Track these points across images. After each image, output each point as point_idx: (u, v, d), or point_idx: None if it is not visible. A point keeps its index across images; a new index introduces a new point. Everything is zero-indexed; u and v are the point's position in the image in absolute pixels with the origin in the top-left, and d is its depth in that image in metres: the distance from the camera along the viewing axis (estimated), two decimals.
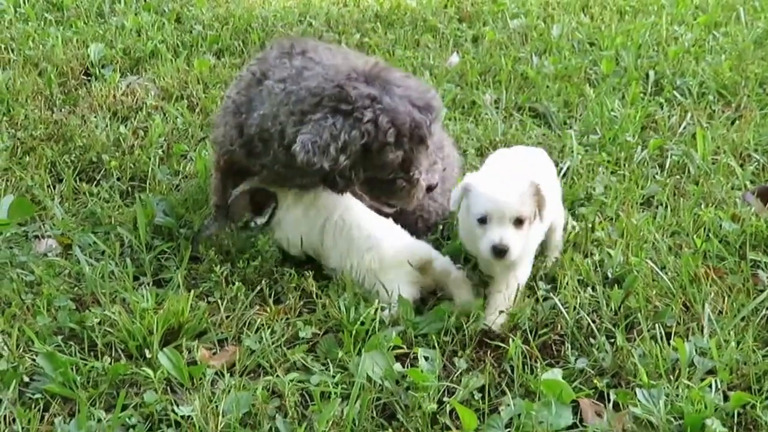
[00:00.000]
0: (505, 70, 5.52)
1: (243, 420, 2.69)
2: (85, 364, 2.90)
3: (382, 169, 3.33)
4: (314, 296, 3.31)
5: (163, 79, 5.35)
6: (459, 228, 3.42)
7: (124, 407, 2.71)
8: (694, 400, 2.70)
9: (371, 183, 3.40)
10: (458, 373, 2.95)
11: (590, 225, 3.72)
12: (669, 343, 3.00)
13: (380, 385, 2.80)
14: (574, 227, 3.73)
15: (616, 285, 3.35)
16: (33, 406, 2.74)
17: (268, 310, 3.23)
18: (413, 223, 3.69)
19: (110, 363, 2.90)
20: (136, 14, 6.49)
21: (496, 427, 2.70)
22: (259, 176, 3.67)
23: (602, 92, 5.18)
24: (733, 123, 4.89)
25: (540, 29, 6.43)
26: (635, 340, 3.07)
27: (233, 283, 3.34)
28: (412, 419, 2.70)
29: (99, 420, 2.66)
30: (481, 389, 2.83)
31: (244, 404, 2.72)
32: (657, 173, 4.34)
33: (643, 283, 3.33)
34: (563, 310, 3.20)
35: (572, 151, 4.42)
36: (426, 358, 2.93)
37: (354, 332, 3.00)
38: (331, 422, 2.62)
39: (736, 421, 2.71)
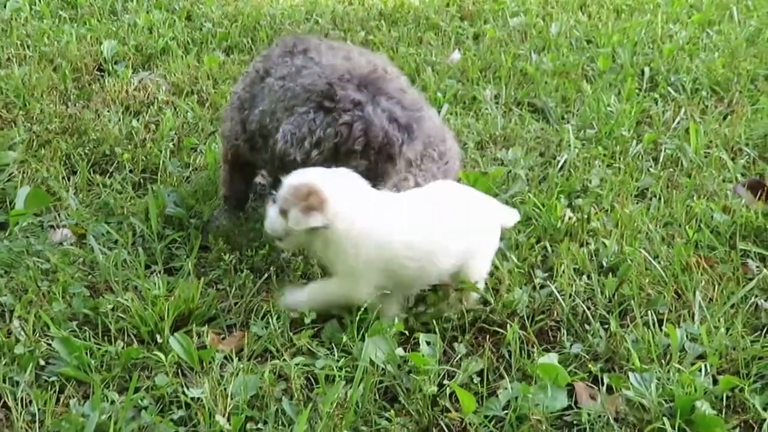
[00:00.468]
0: (505, 67, 5.52)
1: (251, 402, 2.71)
2: (99, 349, 2.92)
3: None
4: None
5: (174, 74, 5.36)
6: None
7: (137, 390, 2.72)
8: (685, 384, 2.71)
9: None
10: (458, 357, 2.96)
11: (586, 216, 3.73)
12: (661, 329, 3.02)
13: (383, 368, 2.82)
14: (570, 218, 3.74)
15: (610, 273, 3.38)
16: (49, 388, 2.76)
17: (275, 297, 3.25)
18: None
19: (123, 347, 2.92)
20: (147, 12, 6.49)
21: (494, 410, 2.71)
22: (263, 169, 3.68)
23: (599, 88, 5.19)
24: (725, 118, 4.89)
25: (539, 27, 6.43)
26: (628, 326, 3.09)
27: (241, 271, 3.35)
28: (413, 401, 2.72)
29: (112, 402, 2.67)
30: (480, 373, 2.85)
31: (252, 387, 2.74)
32: (651, 166, 4.34)
33: (637, 271, 3.35)
34: (559, 297, 3.22)
35: (569, 145, 4.43)
36: (427, 343, 2.95)
37: (357, 318, 3.02)
38: (335, 404, 2.63)
39: (724, 404, 2.73)
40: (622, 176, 4.16)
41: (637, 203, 3.96)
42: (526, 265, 3.43)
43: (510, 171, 4.17)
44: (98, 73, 5.47)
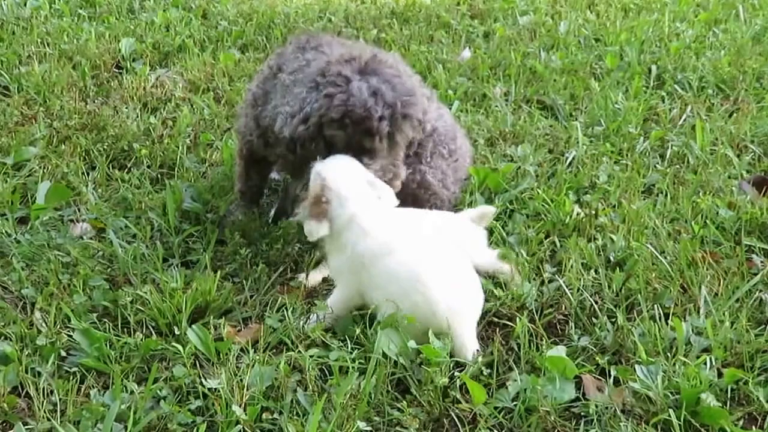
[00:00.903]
0: (514, 65, 5.53)
1: (266, 393, 2.72)
2: (119, 340, 2.94)
3: (333, 145, 3.24)
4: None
5: (191, 72, 5.37)
6: None
7: (155, 380, 2.73)
8: (690, 376, 2.72)
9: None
10: None
11: (594, 211, 3.73)
12: (667, 323, 3.02)
13: (395, 360, 2.82)
14: (578, 213, 3.75)
15: (617, 268, 3.37)
16: (70, 378, 2.77)
17: (290, 290, 3.26)
18: None
19: (142, 339, 2.93)
20: (164, 10, 6.51)
21: (503, 401, 2.72)
22: (276, 166, 3.69)
23: (607, 86, 5.19)
24: (730, 115, 4.89)
25: (548, 26, 6.43)
26: (635, 319, 3.09)
27: (257, 265, 3.38)
28: (425, 393, 2.72)
29: (132, 392, 2.68)
30: (490, 365, 2.85)
31: (268, 378, 2.75)
32: (658, 163, 4.35)
33: (644, 266, 3.35)
34: (567, 291, 3.22)
35: (578, 142, 4.43)
36: (438, 336, 2.96)
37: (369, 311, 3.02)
38: (348, 395, 2.64)
39: (729, 396, 2.74)
40: (630, 173, 4.16)
41: (644, 199, 3.96)
42: (535, 259, 3.44)
43: (519, 167, 4.17)
44: (116, 70, 5.50)
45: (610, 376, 2.82)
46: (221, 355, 2.90)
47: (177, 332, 2.99)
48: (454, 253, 3.06)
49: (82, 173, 4.14)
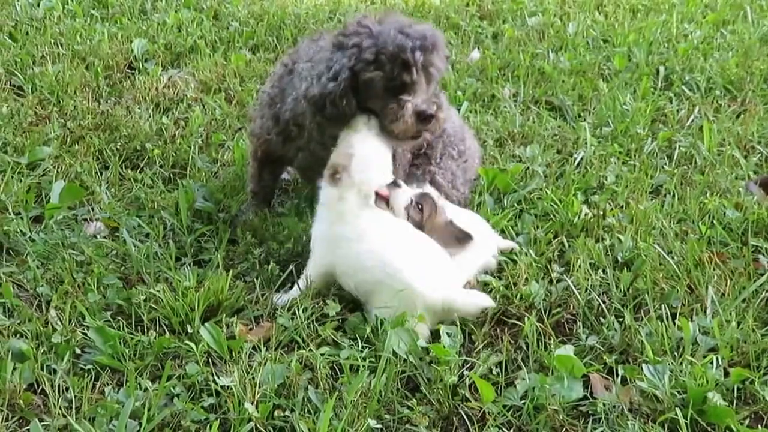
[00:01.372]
0: (523, 66, 5.54)
1: (278, 390, 2.74)
2: (132, 338, 2.96)
3: (369, 94, 3.27)
4: None
5: (202, 72, 5.38)
6: None
7: (169, 378, 2.76)
8: (697, 376, 2.73)
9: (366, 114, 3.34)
10: (477, 348, 3.00)
11: (602, 212, 3.75)
12: (674, 323, 3.04)
13: (405, 359, 2.84)
14: (586, 214, 3.76)
15: (625, 268, 3.39)
16: (85, 375, 2.80)
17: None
18: None
19: (155, 337, 2.96)
20: (176, 11, 6.51)
21: (512, 399, 2.74)
22: (296, 161, 3.69)
23: (615, 87, 5.21)
24: (738, 116, 4.90)
25: (556, 27, 6.43)
26: (642, 319, 3.11)
27: (268, 264, 3.39)
28: (434, 391, 2.75)
29: (145, 389, 2.71)
30: (499, 364, 2.88)
31: (279, 376, 2.77)
32: (665, 164, 4.36)
33: (651, 266, 3.37)
34: (575, 291, 3.24)
35: (586, 143, 4.45)
36: (448, 335, 2.98)
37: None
38: (359, 393, 2.66)
39: (735, 395, 2.75)
40: (637, 173, 4.17)
41: (652, 200, 3.98)
42: (543, 259, 3.46)
43: (528, 168, 4.19)
44: (129, 70, 5.51)
45: (617, 375, 2.84)
46: (233, 353, 2.92)
47: (190, 330, 3.00)
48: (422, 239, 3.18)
49: (96, 173, 4.16)
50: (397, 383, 2.78)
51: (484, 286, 3.29)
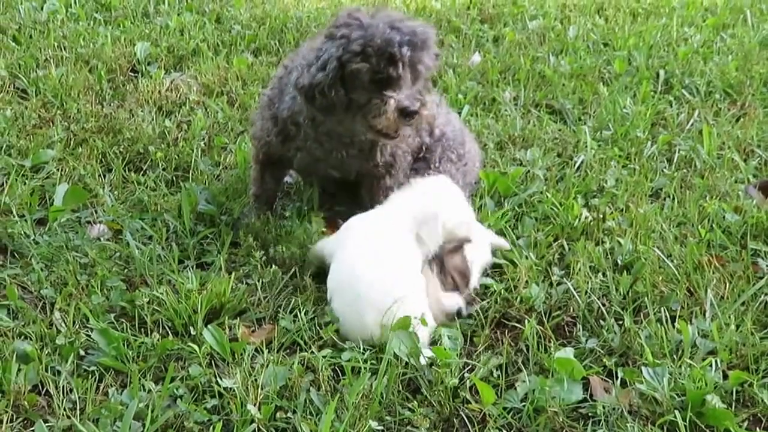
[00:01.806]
0: (523, 69, 5.55)
1: (280, 392, 2.75)
2: (136, 340, 2.97)
3: (355, 85, 3.26)
4: None
5: (205, 75, 5.40)
6: None
7: (172, 379, 2.76)
8: (696, 378, 2.74)
9: (350, 106, 3.32)
10: (478, 351, 3.02)
11: (602, 215, 3.77)
12: (673, 326, 3.05)
13: (406, 361, 2.85)
14: (587, 217, 3.77)
15: (625, 271, 3.41)
16: (89, 377, 2.80)
17: (302, 292, 3.30)
18: None
19: (158, 339, 2.97)
20: (179, 14, 6.54)
21: (512, 401, 2.75)
22: (294, 161, 3.69)
23: (615, 90, 5.22)
24: (737, 120, 4.92)
25: (557, 30, 6.46)
26: (642, 322, 3.12)
27: (270, 267, 3.40)
28: (435, 393, 2.76)
29: (149, 391, 2.72)
30: (499, 366, 2.89)
31: (281, 378, 2.78)
32: (665, 167, 4.37)
33: (651, 269, 3.38)
34: (575, 294, 3.25)
35: (586, 146, 4.46)
36: (449, 338, 2.99)
37: None
38: (360, 395, 2.67)
39: (734, 398, 2.76)
40: (637, 177, 4.19)
41: (652, 203, 3.99)
42: (543, 262, 3.47)
43: (528, 171, 4.20)
44: (132, 74, 5.51)
45: (617, 377, 2.85)
46: (236, 355, 2.93)
47: (193, 332, 3.01)
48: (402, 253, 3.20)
49: (99, 176, 4.17)
50: (398, 385, 2.79)
51: (485, 289, 3.31)
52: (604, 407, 2.71)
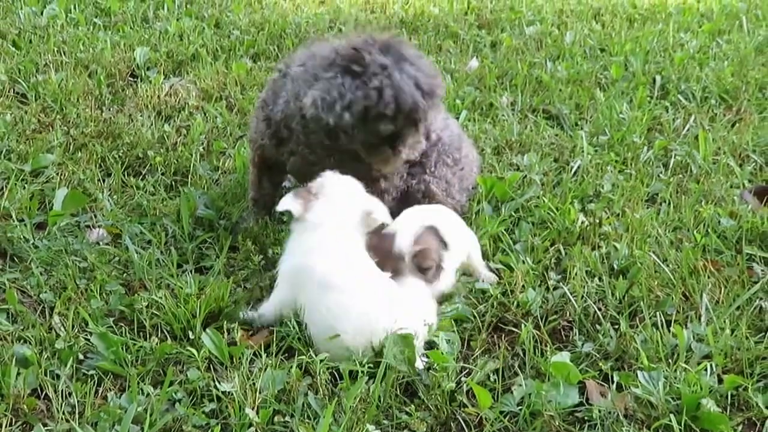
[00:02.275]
0: (521, 75, 5.56)
1: (278, 396, 2.75)
2: (135, 344, 2.97)
3: (372, 135, 3.30)
4: None
5: (204, 80, 5.40)
6: None
7: (171, 383, 2.76)
8: (691, 382, 2.75)
9: (363, 145, 3.36)
10: (475, 355, 3.02)
11: (598, 220, 3.77)
12: (669, 330, 3.05)
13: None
14: (583, 222, 3.78)
15: (621, 276, 3.41)
16: (88, 381, 2.80)
17: None
18: None
19: (157, 343, 2.96)
20: (178, 20, 6.55)
21: (508, 405, 2.75)
22: (288, 165, 3.70)
23: (611, 96, 5.23)
24: (733, 125, 4.93)
25: (554, 36, 6.47)
26: (638, 326, 3.12)
27: (268, 271, 3.40)
28: (432, 397, 2.76)
29: (147, 395, 2.71)
30: (496, 370, 2.89)
31: (280, 381, 2.77)
32: (661, 172, 4.38)
33: (646, 274, 3.38)
34: (572, 298, 3.26)
35: (583, 151, 4.47)
36: (446, 342, 2.99)
37: None
38: (358, 399, 2.67)
39: (729, 402, 2.77)
40: (633, 182, 4.19)
41: (648, 208, 3.99)
42: (540, 267, 3.48)
43: (525, 176, 4.20)
44: (131, 78, 5.52)
45: (613, 381, 2.85)
46: (234, 359, 2.93)
47: (191, 336, 3.01)
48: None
49: (98, 180, 4.17)
50: (395, 389, 2.80)
51: (482, 294, 3.32)
52: (600, 411, 2.72)
